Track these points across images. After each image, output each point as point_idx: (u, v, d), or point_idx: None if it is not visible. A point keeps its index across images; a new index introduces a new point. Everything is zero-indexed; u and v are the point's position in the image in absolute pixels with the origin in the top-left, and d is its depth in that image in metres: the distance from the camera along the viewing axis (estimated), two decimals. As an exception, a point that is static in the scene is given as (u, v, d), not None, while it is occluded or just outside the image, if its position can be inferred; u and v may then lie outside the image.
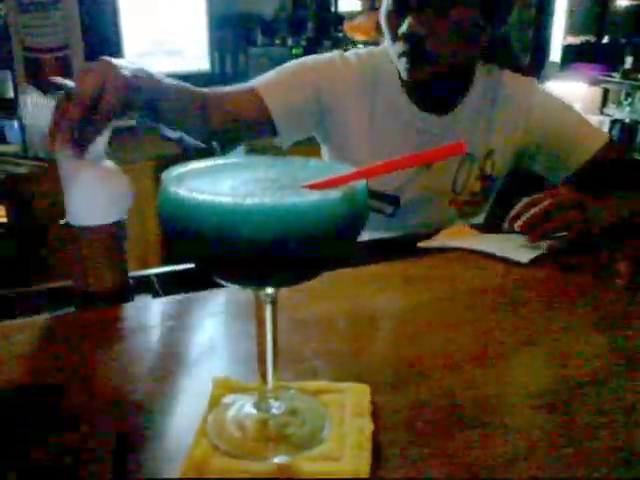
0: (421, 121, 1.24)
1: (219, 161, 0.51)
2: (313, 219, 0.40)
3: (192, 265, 0.93)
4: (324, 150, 1.35)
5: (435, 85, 1.18)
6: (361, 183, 0.44)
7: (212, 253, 0.42)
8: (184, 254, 0.46)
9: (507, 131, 1.27)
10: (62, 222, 0.80)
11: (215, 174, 0.49)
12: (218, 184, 0.46)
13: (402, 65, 1.13)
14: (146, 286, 0.90)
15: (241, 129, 1.19)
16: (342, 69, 1.26)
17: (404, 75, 1.15)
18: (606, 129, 4.11)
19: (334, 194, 0.42)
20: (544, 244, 0.99)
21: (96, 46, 2.61)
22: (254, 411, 0.54)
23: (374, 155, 1.07)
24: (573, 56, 4.65)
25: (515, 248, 0.98)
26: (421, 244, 1.04)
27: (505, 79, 1.28)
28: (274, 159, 0.52)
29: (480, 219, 1.34)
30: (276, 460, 0.49)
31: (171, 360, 0.69)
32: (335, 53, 1.30)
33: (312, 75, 1.23)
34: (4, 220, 3.09)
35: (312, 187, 0.43)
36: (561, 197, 1.02)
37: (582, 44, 4.75)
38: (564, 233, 1.01)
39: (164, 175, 0.45)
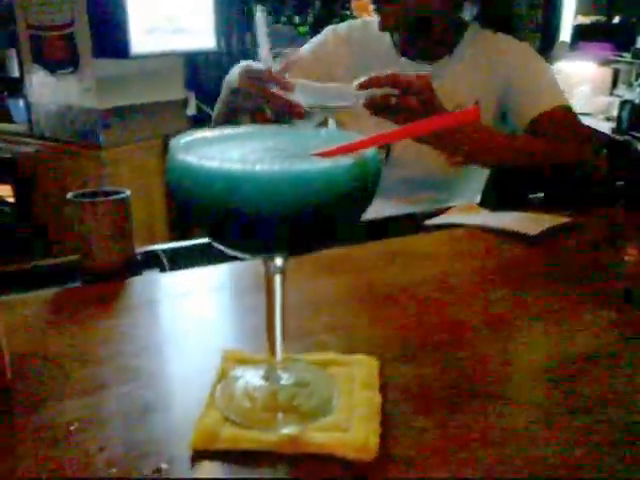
0: (409, 69, 1.26)
1: (227, 130, 0.50)
2: (323, 186, 0.40)
3: (199, 241, 0.94)
4: (331, 122, 1.38)
5: (417, 36, 1.28)
6: (371, 150, 0.43)
7: (221, 221, 0.42)
8: (193, 222, 0.45)
9: (491, 81, 1.31)
10: (69, 196, 0.79)
11: (223, 142, 0.48)
12: (227, 152, 0.45)
13: (377, 18, 1.24)
14: (153, 261, 0.89)
15: None
16: (332, 44, 1.37)
17: (379, 27, 1.24)
18: (616, 110, 4.07)
19: (345, 161, 0.41)
20: (551, 219, 0.99)
21: (101, 24, 2.59)
22: (263, 382, 0.54)
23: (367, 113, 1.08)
24: (583, 36, 4.59)
25: (523, 223, 0.97)
26: (429, 221, 1.03)
27: (497, 39, 1.34)
28: (283, 128, 0.51)
29: (474, 173, 1.35)
30: (285, 430, 0.48)
31: (179, 333, 0.69)
32: (328, 29, 1.41)
33: (310, 61, 1.33)
34: (11, 199, 3.10)
35: (322, 155, 0.42)
36: (414, 81, 1.01)
37: (593, 24, 4.69)
38: (566, 220, 0.99)
39: (172, 143, 0.45)
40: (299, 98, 1.00)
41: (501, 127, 1.32)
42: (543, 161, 1.18)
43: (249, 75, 1.07)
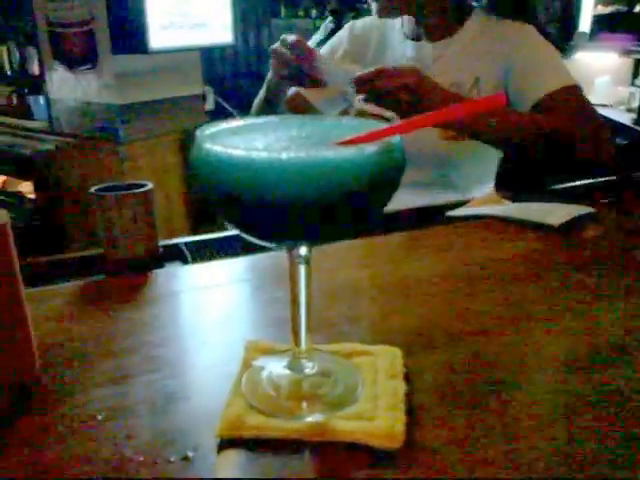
0: (411, 49, 1.38)
1: (252, 120, 0.51)
2: (349, 173, 0.40)
3: (220, 234, 0.94)
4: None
5: (418, 17, 1.34)
6: (396, 138, 0.43)
7: (247, 210, 0.42)
8: (217, 212, 0.45)
9: (492, 59, 1.32)
10: (92, 190, 0.80)
11: (248, 132, 0.48)
12: (252, 141, 0.45)
13: (374, 7, 1.31)
14: (176, 254, 0.90)
15: None
16: (346, 37, 1.47)
17: (377, 13, 1.31)
18: (636, 101, 4.01)
19: (369, 149, 0.41)
20: (575, 209, 0.98)
21: (120, 20, 2.60)
22: (287, 372, 0.54)
23: None
24: (603, 26, 4.53)
25: (545, 214, 0.96)
26: (452, 212, 1.03)
27: (501, 23, 1.35)
28: (307, 118, 0.51)
29: (482, 151, 1.34)
30: (310, 419, 0.49)
31: (202, 324, 0.69)
32: (345, 26, 1.50)
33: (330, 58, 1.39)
34: (32, 195, 3.14)
35: (346, 143, 0.42)
36: (404, 76, 1.07)
37: (613, 14, 4.62)
38: (590, 209, 0.98)
39: (198, 132, 0.45)
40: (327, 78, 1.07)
41: None
42: (552, 137, 1.16)
43: (282, 43, 1.16)
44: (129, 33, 2.60)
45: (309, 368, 0.54)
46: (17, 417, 0.51)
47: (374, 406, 0.50)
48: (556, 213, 0.96)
